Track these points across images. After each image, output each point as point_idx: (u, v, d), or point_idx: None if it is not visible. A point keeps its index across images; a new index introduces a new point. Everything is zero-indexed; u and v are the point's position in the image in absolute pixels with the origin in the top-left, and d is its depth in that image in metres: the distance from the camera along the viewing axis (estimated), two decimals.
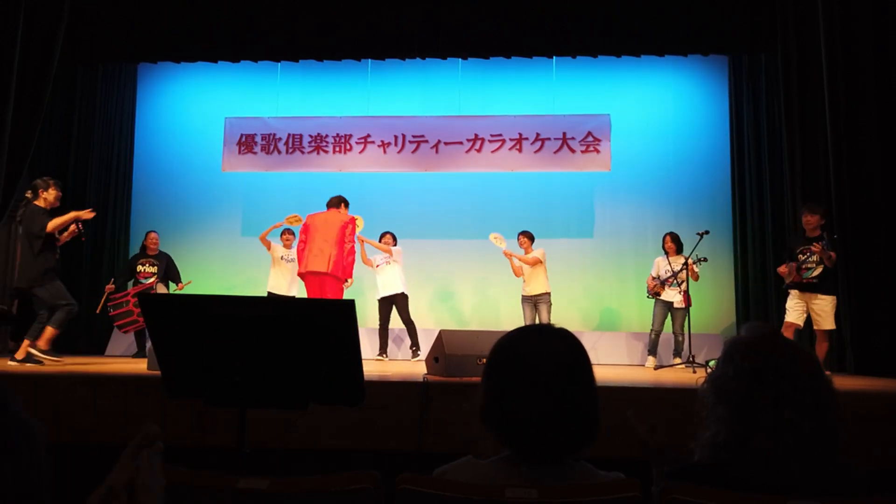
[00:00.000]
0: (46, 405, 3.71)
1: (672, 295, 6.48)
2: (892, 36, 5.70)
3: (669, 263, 6.50)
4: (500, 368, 1.30)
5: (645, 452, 1.63)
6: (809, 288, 5.25)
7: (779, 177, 6.79)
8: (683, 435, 1.44)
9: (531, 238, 6.95)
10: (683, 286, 6.30)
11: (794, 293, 5.34)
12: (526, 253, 6.90)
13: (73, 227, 5.49)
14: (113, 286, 6.81)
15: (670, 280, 6.40)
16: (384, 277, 6.79)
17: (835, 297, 5.27)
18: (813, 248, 5.18)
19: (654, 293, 6.56)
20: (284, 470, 3.42)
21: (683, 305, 6.34)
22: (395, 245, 6.97)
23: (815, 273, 5.22)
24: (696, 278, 6.38)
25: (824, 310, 5.20)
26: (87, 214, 5.52)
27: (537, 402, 1.23)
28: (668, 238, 6.65)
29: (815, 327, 5.29)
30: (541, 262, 6.80)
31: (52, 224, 5.24)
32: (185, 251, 7.29)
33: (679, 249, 6.60)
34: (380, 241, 6.93)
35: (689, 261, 6.23)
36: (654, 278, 6.63)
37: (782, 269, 5.43)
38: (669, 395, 3.78)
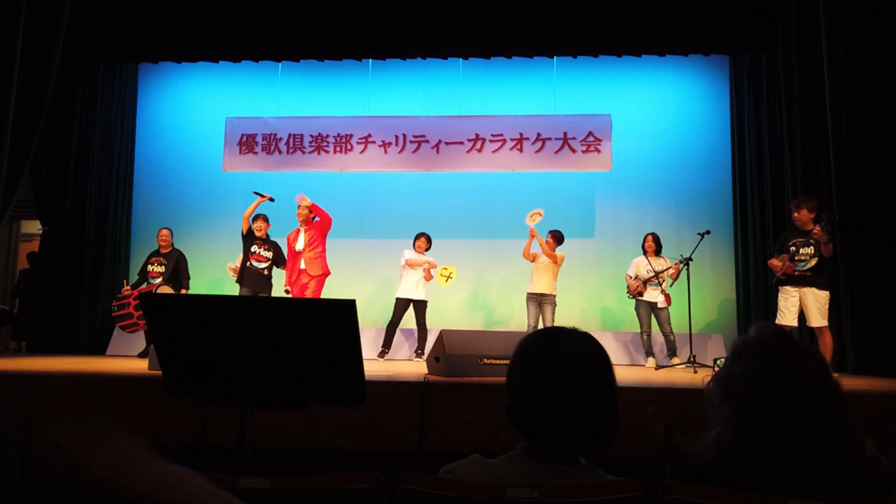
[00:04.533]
0: (47, 405, 3.71)
1: (655, 295, 6.49)
2: (893, 34, 5.70)
3: (650, 263, 6.51)
4: (531, 368, 1.31)
5: (659, 452, 1.62)
6: (802, 281, 5.11)
7: (780, 176, 6.78)
8: (690, 435, 1.44)
9: (559, 240, 6.78)
10: (664, 285, 6.31)
11: (785, 290, 5.21)
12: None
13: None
14: (129, 287, 6.77)
15: (652, 279, 6.40)
16: (413, 279, 6.75)
17: (828, 293, 5.13)
18: (814, 232, 5.00)
19: (637, 293, 6.57)
20: (286, 469, 3.42)
21: (666, 305, 6.37)
22: (430, 248, 6.94)
23: (809, 265, 5.11)
24: (676, 278, 6.32)
25: (816, 303, 5.05)
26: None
27: (571, 402, 1.24)
28: (650, 238, 6.66)
29: (807, 324, 5.15)
30: (557, 263, 6.75)
31: (245, 225, 6.57)
32: (185, 251, 7.26)
33: (659, 250, 6.62)
34: (414, 243, 6.88)
35: (676, 262, 6.21)
36: (632, 278, 6.63)
37: (774, 261, 5.28)
38: (671, 394, 3.78)
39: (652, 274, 6.40)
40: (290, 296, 6.34)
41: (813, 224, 5.12)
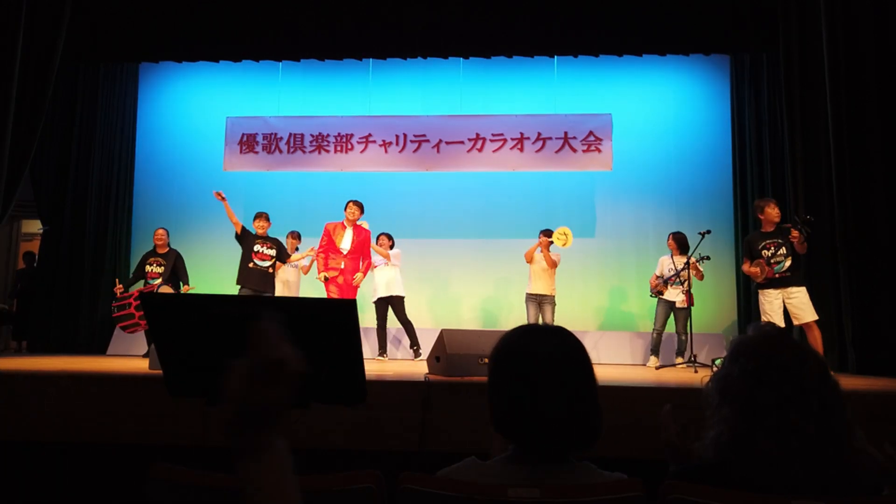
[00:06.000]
0: (47, 405, 3.71)
1: (675, 294, 6.47)
2: (893, 34, 5.69)
3: (673, 262, 6.49)
4: (508, 368, 1.30)
5: (668, 453, 1.61)
6: (783, 282, 5.22)
7: (780, 176, 6.79)
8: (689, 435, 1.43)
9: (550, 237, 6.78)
10: (686, 285, 6.28)
11: (767, 293, 5.29)
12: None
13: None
14: (121, 287, 6.73)
15: (673, 279, 6.39)
16: (382, 278, 6.76)
17: (805, 287, 5.24)
18: (792, 236, 5.11)
19: (657, 292, 6.56)
20: None
21: (686, 305, 6.32)
22: (393, 246, 6.93)
23: (787, 266, 5.21)
24: (701, 277, 6.33)
25: (803, 301, 5.15)
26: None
27: (550, 399, 1.23)
28: (671, 237, 6.64)
29: (796, 323, 5.21)
30: (555, 266, 6.77)
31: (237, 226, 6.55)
32: (185, 251, 7.26)
33: (682, 249, 6.58)
34: (376, 243, 6.89)
35: (692, 260, 6.21)
36: (657, 277, 6.62)
37: (752, 268, 5.35)
38: (671, 394, 3.78)
39: (673, 273, 6.40)
40: (326, 281, 6.42)
41: (781, 219, 5.29)
